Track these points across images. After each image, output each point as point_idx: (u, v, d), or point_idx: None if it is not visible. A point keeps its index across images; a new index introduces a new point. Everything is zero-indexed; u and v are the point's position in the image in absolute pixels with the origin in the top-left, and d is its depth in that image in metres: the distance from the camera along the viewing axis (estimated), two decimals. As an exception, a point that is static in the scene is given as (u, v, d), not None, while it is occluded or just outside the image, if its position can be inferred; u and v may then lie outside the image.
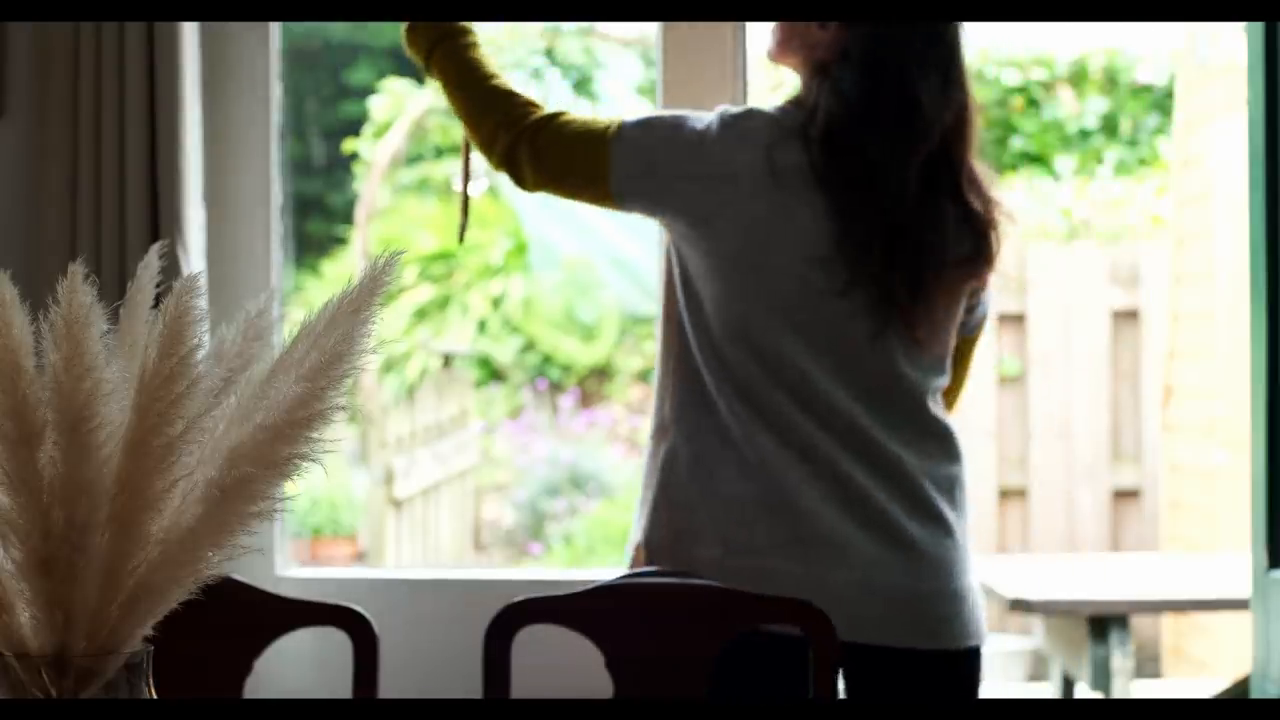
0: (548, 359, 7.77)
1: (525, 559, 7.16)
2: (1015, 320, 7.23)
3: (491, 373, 7.86)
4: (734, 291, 2.20)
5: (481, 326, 7.75)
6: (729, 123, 2.22)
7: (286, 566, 2.79)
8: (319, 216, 8.18)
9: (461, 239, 2.47)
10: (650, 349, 7.48)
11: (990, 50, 7.92)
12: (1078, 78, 8.13)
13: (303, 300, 7.19)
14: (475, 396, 7.77)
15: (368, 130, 7.65)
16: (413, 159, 7.85)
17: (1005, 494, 7.28)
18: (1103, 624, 4.71)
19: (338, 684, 2.14)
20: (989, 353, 6.94)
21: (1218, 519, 6.37)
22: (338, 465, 7.03)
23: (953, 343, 2.29)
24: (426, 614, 2.70)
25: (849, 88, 2.18)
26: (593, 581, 2.10)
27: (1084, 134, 8.12)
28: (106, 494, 1.20)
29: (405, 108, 7.45)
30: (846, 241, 2.17)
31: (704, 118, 2.24)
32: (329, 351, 1.23)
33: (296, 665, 2.61)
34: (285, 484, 1.24)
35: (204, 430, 1.23)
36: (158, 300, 1.28)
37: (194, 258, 2.62)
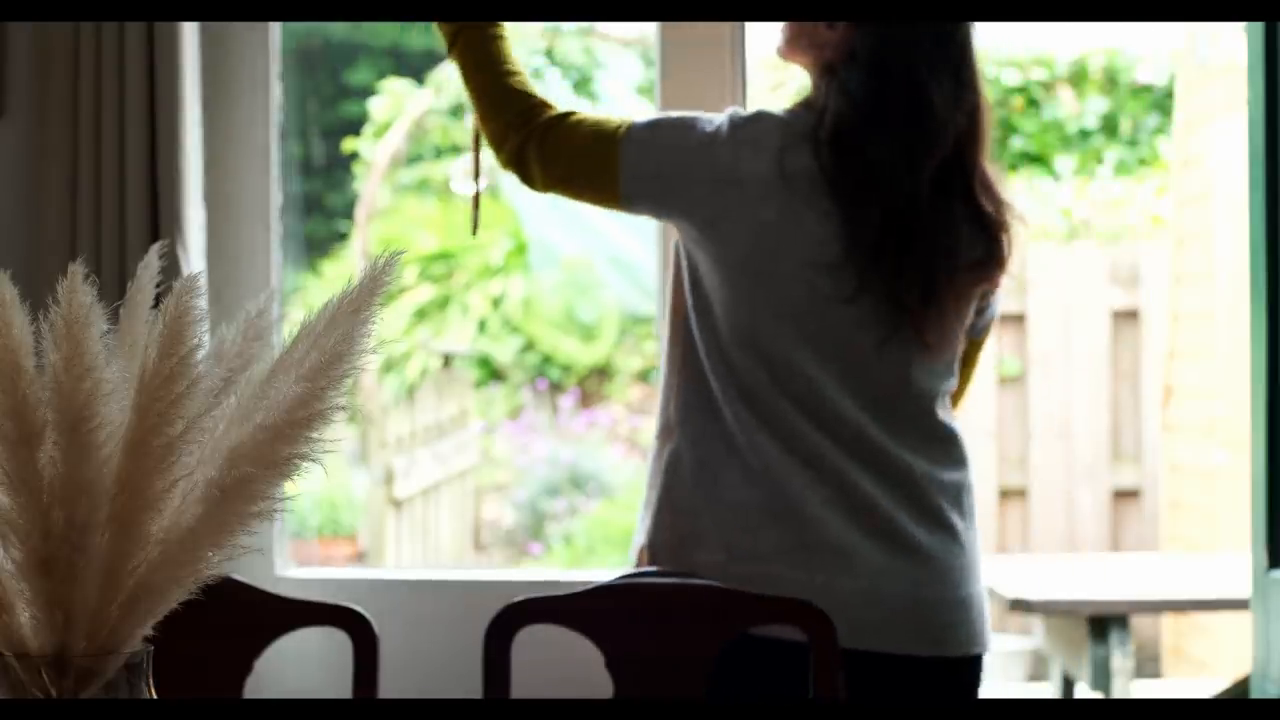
0: (548, 359, 7.77)
1: (525, 559, 7.15)
2: (1015, 320, 7.23)
3: (491, 373, 7.86)
4: (742, 297, 2.18)
5: (481, 326, 7.74)
6: (739, 125, 2.19)
7: (286, 566, 2.79)
8: (319, 216, 8.17)
9: (475, 231, 2.45)
10: (650, 349, 7.48)
11: (990, 50, 7.91)
12: (1078, 78, 8.13)
13: (303, 300, 7.18)
14: (475, 396, 7.77)
15: (368, 130, 7.64)
16: (413, 159, 7.85)
17: (1005, 494, 7.29)
18: (1103, 624, 4.72)
19: (338, 684, 2.14)
20: (989, 353, 6.94)
21: (1218, 519, 6.37)
22: (338, 465, 7.02)
23: (961, 347, 2.27)
24: (426, 614, 2.70)
25: (856, 89, 2.16)
26: (593, 582, 2.10)
27: (1084, 134, 8.12)
28: (106, 494, 1.20)
29: (405, 108, 7.45)
30: (856, 246, 2.15)
31: (714, 120, 2.22)
32: (329, 351, 1.23)
33: (296, 665, 2.61)
34: (285, 484, 1.24)
35: (204, 430, 1.23)
36: (158, 300, 1.28)
37: (194, 258, 2.62)
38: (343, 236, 8.04)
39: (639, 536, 2.27)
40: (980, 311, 2.31)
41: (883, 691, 2.17)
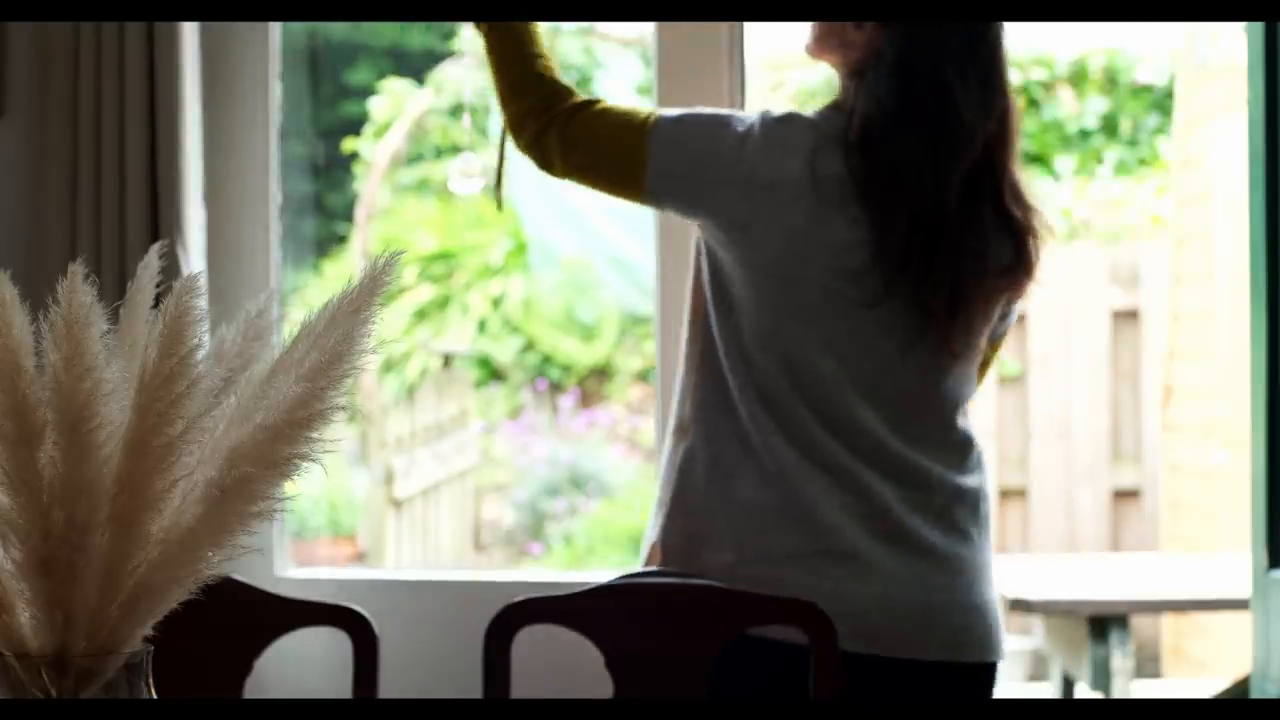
0: (548, 359, 7.76)
1: (525, 559, 7.15)
2: (1015, 320, 7.23)
3: (491, 373, 7.86)
4: (766, 300, 2.15)
5: (481, 326, 7.74)
6: (771, 127, 2.16)
7: (286, 567, 2.79)
8: (319, 216, 8.17)
9: (499, 205, 2.41)
10: (650, 349, 7.47)
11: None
12: (1078, 78, 8.12)
13: (303, 300, 7.18)
14: (475, 396, 7.76)
15: (368, 130, 7.64)
16: (413, 159, 7.84)
17: (1005, 494, 7.29)
18: (1103, 624, 4.71)
19: (338, 684, 2.14)
20: (990, 353, 6.93)
21: (1218, 519, 6.37)
22: (338, 465, 7.02)
23: (982, 355, 2.26)
24: (426, 614, 2.70)
25: (882, 91, 2.13)
26: (592, 582, 2.10)
27: (1084, 134, 8.12)
28: (106, 494, 1.20)
29: (405, 108, 7.45)
30: (883, 251, 2.12)
31: (745, 119, 2.18)
32: (329, 351, 1.23)
33: (296, 665, 2.61)
34: (285, 484, 1.24)
35: (204, 430, 1.23)
36: (158, 300, 1.28)
37: (194, 258, 2.62)
38: (342, 237, 8.04)
39: (650, 533, 2.25)
40: (1003, 317, 2.29)
41: (896, 698, 2.15)
